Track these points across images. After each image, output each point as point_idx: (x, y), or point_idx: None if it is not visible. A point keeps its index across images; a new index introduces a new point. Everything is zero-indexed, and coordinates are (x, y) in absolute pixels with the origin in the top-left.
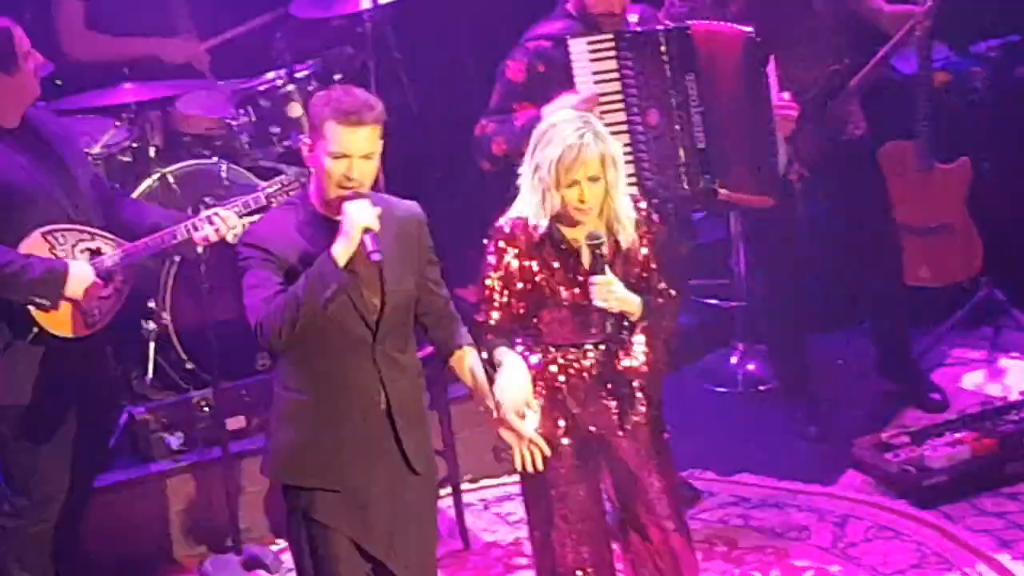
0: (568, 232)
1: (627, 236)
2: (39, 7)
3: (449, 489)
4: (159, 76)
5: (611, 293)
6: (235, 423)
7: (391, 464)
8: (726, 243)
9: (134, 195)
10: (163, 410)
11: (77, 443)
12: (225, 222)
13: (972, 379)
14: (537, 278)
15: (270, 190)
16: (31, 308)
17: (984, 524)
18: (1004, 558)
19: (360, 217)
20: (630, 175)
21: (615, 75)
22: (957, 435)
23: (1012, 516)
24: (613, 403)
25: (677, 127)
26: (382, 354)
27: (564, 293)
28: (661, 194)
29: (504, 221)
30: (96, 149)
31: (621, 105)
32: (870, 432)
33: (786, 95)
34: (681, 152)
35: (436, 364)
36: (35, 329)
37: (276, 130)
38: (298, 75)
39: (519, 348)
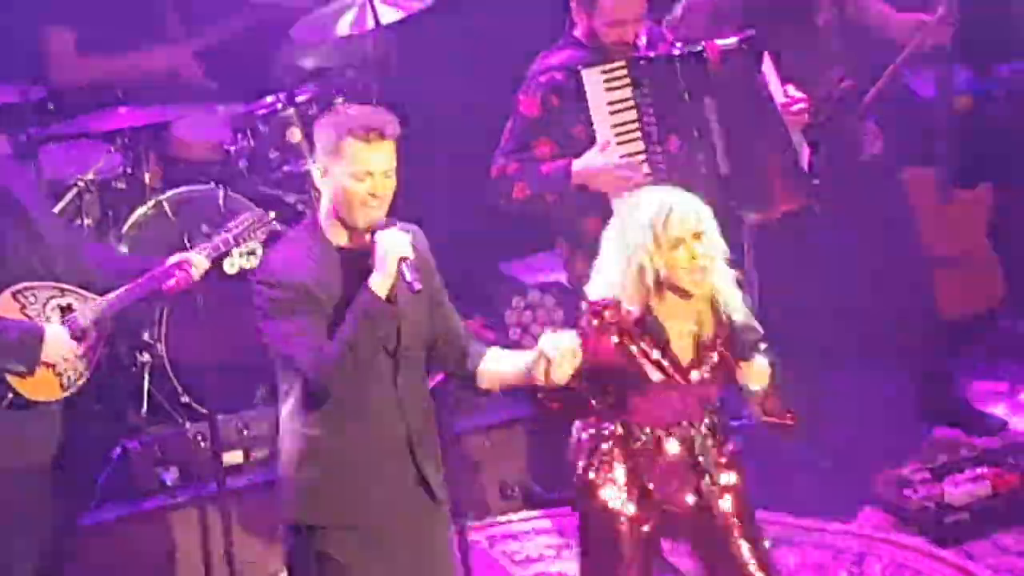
0: (665, 321)
1: (736, 306)
2: (26, 32)
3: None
4: (154, 97)
5: (764, 376)
6: (232, 457)
7: (413, 497)
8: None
9: (129, 222)
10: (157, 444)
11: (53, 501)
12: (196, 267)
13: (993, 413)
14: (627, 360)
15: (237, 231)
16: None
17: (1006, 563)
18: None
19: (395, 247)
20: None
21: (631, 103)
22: (978, 471)
23: None
24: (695, 484)
25: (699, 154)
26: (403, 383)
27: (655, 376)
28: None
29: (592, 300)
30: (89, 175)
31: (639, 134)
32: (888, 467)
33: (791, 88)
34: (705, 179)
35: (440, 397)
36: (10, 395)
37: (275, 155)
38: (298, 99)
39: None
